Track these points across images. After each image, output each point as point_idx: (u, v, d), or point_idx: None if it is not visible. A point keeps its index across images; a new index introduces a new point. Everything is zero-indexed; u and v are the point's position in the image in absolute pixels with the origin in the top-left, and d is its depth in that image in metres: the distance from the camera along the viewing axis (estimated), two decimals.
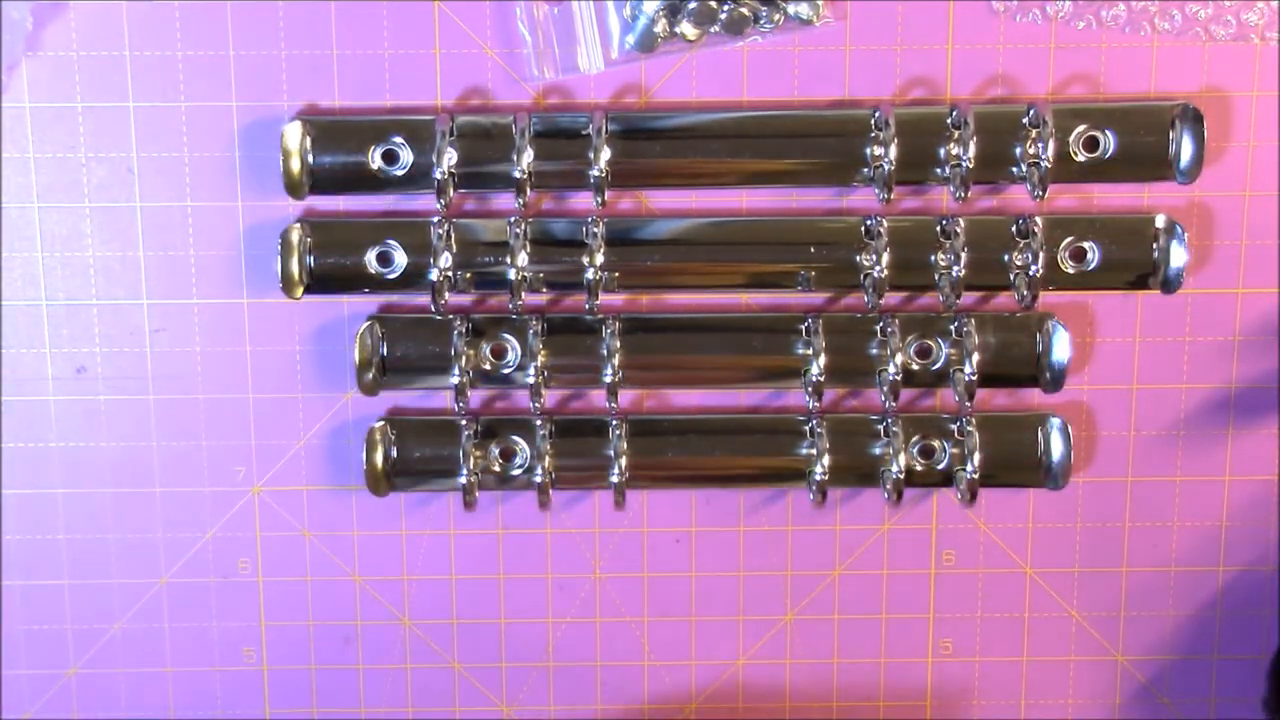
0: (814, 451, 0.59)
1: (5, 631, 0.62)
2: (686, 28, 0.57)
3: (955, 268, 0.57)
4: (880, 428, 0.60)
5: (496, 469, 0.60)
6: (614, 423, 0.60)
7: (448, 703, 0.63)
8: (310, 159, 0.57)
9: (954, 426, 0.60)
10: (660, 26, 0.57)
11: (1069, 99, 0.58)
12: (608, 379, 0.58)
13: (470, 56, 0.58)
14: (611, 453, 0.59)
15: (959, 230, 0.58)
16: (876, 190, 0.57)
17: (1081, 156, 0.57)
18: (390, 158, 0.57)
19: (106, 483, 0.61)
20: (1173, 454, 0.61)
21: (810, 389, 0.59)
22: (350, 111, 0.58)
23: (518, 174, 0.56)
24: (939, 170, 0.58)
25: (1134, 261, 0.58)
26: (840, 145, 0.58)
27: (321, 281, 0.58)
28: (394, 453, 0.60)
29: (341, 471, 0.61)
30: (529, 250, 0.58)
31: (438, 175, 0.56)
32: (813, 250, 0.58)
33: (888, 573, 0.62)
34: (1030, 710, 0.63)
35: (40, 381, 0.60)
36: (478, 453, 0.59)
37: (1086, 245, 0.58)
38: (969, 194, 0.57)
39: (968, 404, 0.59)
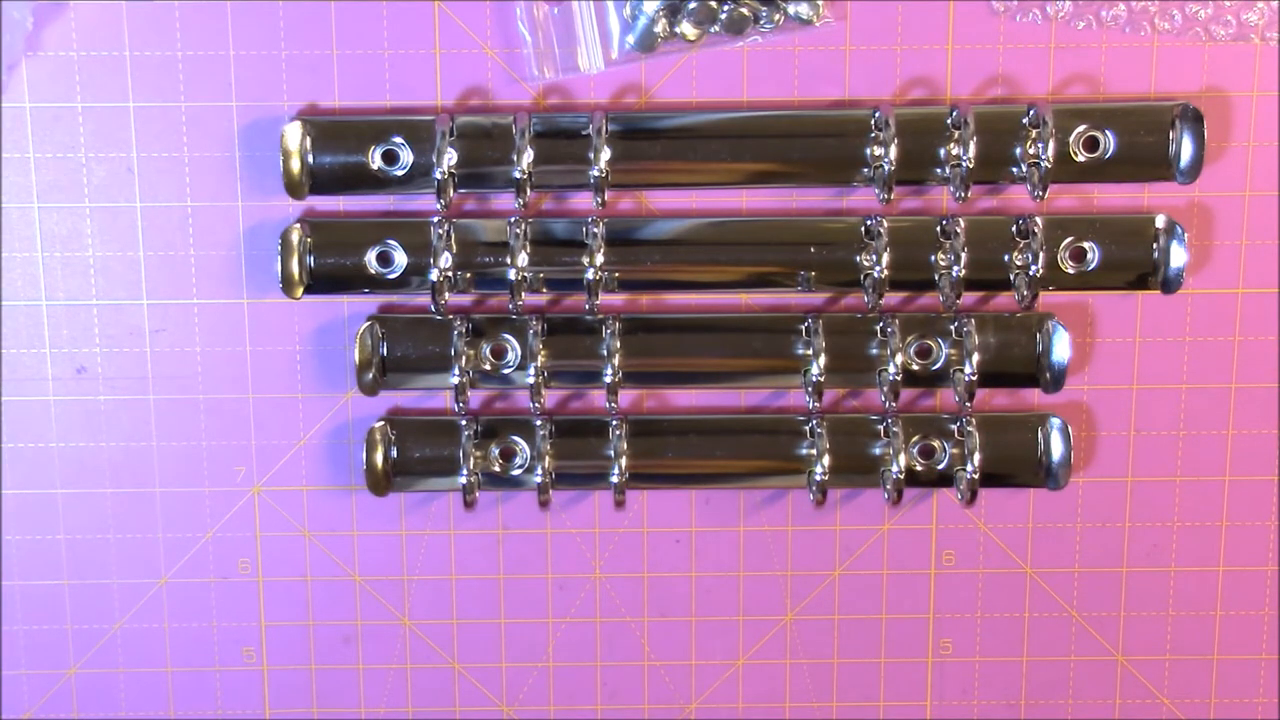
0: (814, 451, 0.59)
1: (5, 631, 0.62)
2: (686, 28, 0.57)
3: (955, 268, 0.57)
4: (880, 428, 0.60)
5: (496, 469, 0.60)
6: (614, 423, 0.60)
7: (448, 703, 0.63)
8: (310, 159, 0.57)
9: (954, 426, 0.60)
10: (660, 26, 0.57)
11: (1069, 99, 0.58)
12: (608, 379, 0.58)
13: (470, 56, 0.58)
14: (611, 453, 0.59)
15: (959, 230, 0.58)
16: (876, 190, 0.57)
17: (1081, 156, 0.57)
18: (390, 158, 0.57)
19: (106, 483, 0.61)
20: (1173, 454, 0.61)
21: (810, 389, 0.59)
22: (350, 111, 0.58)
23: (518, 174, 0.56)
24: (939, 170, 0.58)
25: (1134, 261, 0.58)
26: (840, 145, 0.58)
27: (321, 281, 0.58)
28: (394, 453, 0.60)
29: (341, 471, 0.61)
30: (529, 250, 0.58)
31: (438, 175, 0.56)
32: (813, 250, 0.58)
33: (888, 573, 0.62)
34: (1030, 710, 0.63)
35: (40, 381, 0.60)
36: (478, 453, 0.59)
37: (1086, 245, 0.58)
38: (969, 194, 0.57)
39: (968, 404, 0.59)
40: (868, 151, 0.57)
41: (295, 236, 0.58)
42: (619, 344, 0.58)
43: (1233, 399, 0.61)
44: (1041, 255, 0.57)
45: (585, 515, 0.62)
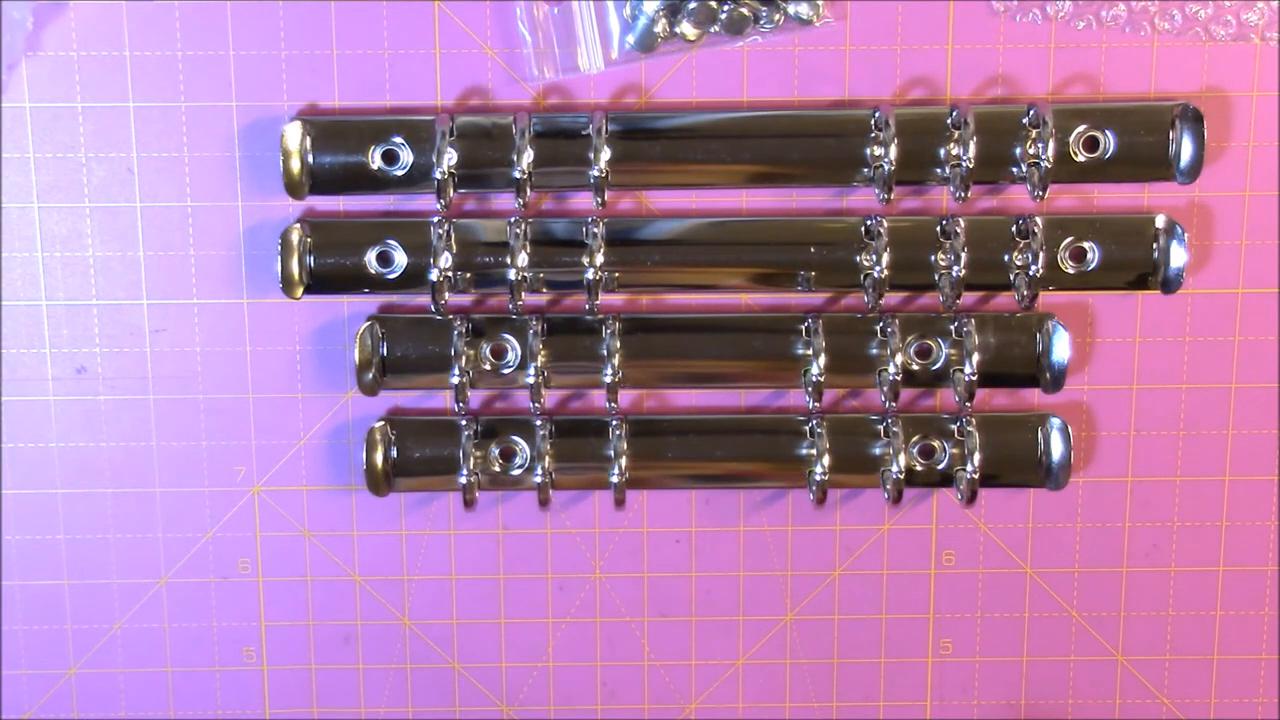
0: (814, 451, 0.59)
1: (5, 631, 0.62)
2: (686, 28, 0.57)
3: (955, 268, 0.57)
4: (880, 428, 0.60)
5: (496, 469, 0.60)
6: (614, 423, 0.60)
7: (448, 703, 0.63)
8: (310, 159, 0.57)
9: (954, 426, 0.60)
10: (660, 26, 0.57)
11: (1069, 99, 0.58)
12: (608, 379, 0.58)
13: (470, 56, 0.58)
14: (611, 453, 0.59)
15: (959, 230, 0.58)
16: (876, 190, 0.57)
17: (1081, 156, 0.57)
18: (390, 158, 0.57)
19: (106, 483, 0.61)
20: (1173, 454, 0.61)
21: (810, 389, 0.59)
22: (350, 111, 0.58)
23: (518, 174, 0.56)
24: (939, 170, 0.58)
25: (1134, 261, 0.58)
26: (840, 145, 0.58)
27: (321, 281, 0.58)
28: (394, 453, 0.60)
29: (341, 471, 0.61)
30: (529, 250, 0.58)
31: (438, 175, 0.56)
32: (813, 250, 0.58)
33: (888, 573, 0.62)
34: (1030, 710, 0.63)
35: (40, 381, 0.60)
36: (478, 453, 0.59)
37: (1086, 245, 0.58)
38: (969, 194, 0.57)
39: (968, 404, 0.59)
40: (868, 151, 0.57)
41: (295, 236, 0.58)
42: (619, 344, 0.58)
43: (1233, 399, 0.61)
44: (1041, 255, 0.57)
45: (585, 515, 0.62)
